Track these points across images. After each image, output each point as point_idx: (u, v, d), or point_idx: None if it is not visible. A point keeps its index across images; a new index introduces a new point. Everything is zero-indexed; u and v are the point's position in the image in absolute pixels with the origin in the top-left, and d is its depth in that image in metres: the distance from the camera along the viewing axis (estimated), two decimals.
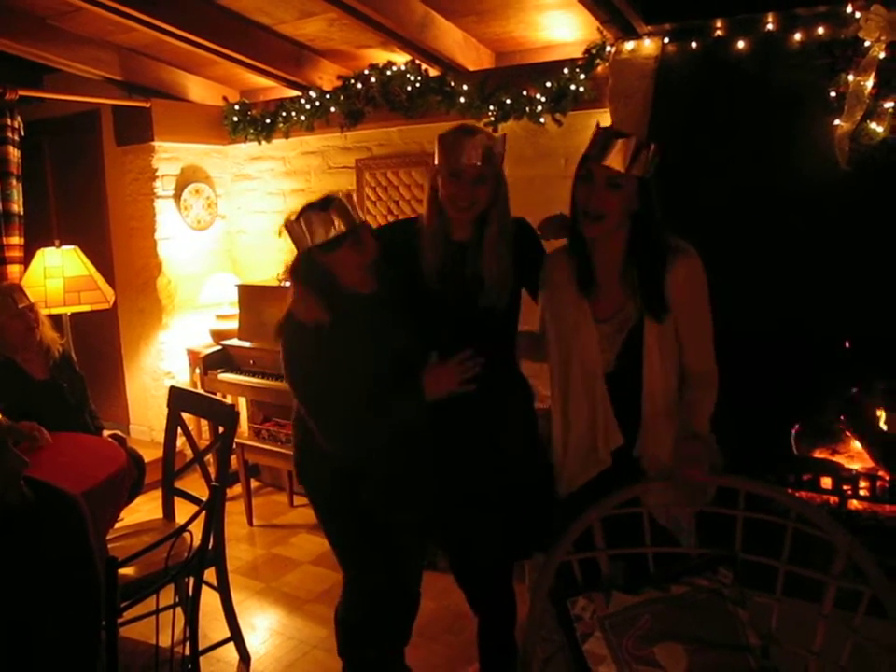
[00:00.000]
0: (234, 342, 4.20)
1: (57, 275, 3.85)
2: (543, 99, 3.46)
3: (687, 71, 2.99)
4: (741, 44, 2.85)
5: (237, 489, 4.20)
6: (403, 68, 3.81)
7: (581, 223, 1.89)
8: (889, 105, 2.54)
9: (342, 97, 4.03)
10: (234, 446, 3.86)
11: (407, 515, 2.10)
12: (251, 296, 4.20)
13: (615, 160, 1.82)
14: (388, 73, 3.84)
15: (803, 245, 2.62)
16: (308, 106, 4.17)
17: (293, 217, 1.94)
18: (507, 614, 2.33)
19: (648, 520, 1.79)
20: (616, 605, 1.64)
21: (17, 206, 4.01)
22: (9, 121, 3.93)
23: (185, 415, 2.96)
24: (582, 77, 3.36)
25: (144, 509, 3.80)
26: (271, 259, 4.73)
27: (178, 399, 2.97)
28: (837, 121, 2.60)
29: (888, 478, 2.58)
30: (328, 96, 4.09)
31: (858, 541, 1.59)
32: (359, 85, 3.95)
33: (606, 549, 1.79)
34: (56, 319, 3.60)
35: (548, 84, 3.43)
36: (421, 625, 2.24)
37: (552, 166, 3.59)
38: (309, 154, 4.60)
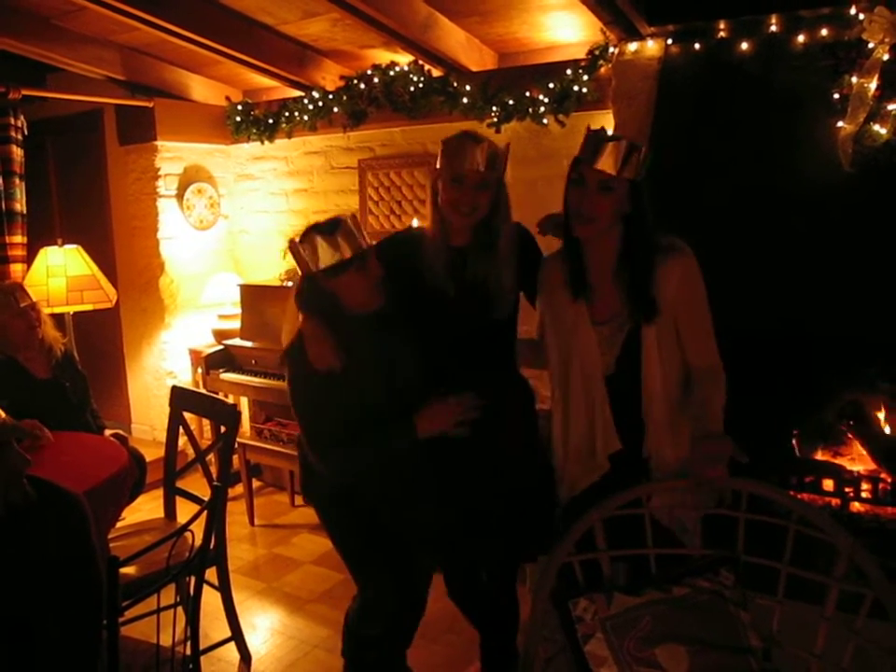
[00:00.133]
0: (236, 341, 4.21)
1: (60, 274, 3.85)
2: (546, 100, 3.46)
3: (690, 72, 2.99)
4: (744, 45, 2.85)
5: (239, 489, 4.20)
6: (406, 69, 3.81)
7: (573, 225, 1.90)
8: (892, 106, 2.53)
9: (345, 97, 4.03)
10: (236, 446, 3.85)
11: (415, 529, 2.10)
12: (253, 296, 4.20)
13: (606, 163, 1.82)
14: (391, 73, 3.84)
15: (806, 247, 2.62)
16: (311, 107, 4.17)
17: (298, 240, 1.92)
18: (509, 627, 2.32)
19: (649, 521, 1.79)
20: (617, 606, 1.64)
21: (20, 205, 4.01)
22: (13, 121, 3.93)
23: (187, 415, 2.96)
24: (585, 78, 3.36)
25: (145, 508, 3.80)
26: (273, 259, 4.73)
27: (180, 399, 2.97)
28: (840, 123, 2.60)
29: (890, 480, 2.58)
30: (331, 96, 4.09)
31: (860, 543, 1.59)
32: (362, 85, 3.95)
33: (607, 550, 1.79)
34: (58, 318, 3.60)
35: (551, 85, 3.43)
36: (422, 626, 2.23)
37: (554, 167, 3.57)
38: (312, 154, 4.60)
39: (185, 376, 4.74)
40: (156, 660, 1.82)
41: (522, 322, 2.19)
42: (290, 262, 4.32)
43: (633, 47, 3.18)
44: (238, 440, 3.76)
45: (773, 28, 2.81)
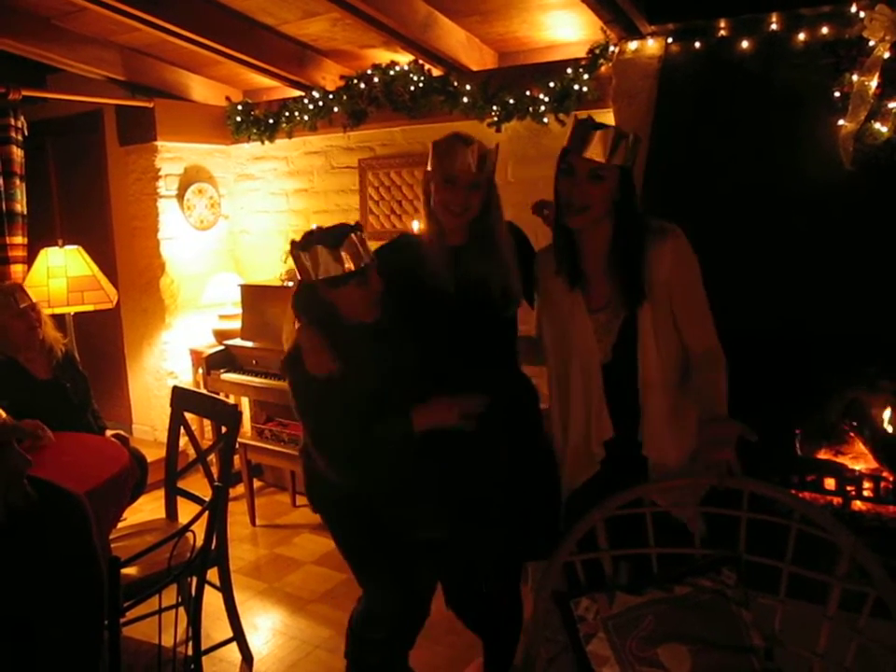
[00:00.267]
0: (237, 341, 4.21)
1: (60, 275, 3.85)
2: (546, 99, 3.45)
3: (691, 71, 2.99)
4: (745, 44, 2.85)
5: (240, 489, 4.21)
6: (406, 68, 3.81)
7: (566, 215, 1.90)
8: (893, 105, 2.53)
9: (345, 97, 4.03)
10: (237, 446, 3.86)
11: (420, 534, 2.09)
12: (254, 296, 4.20)
13: (595, 151, 1.83)
14: (391, 73, 3.84)
15: (806, 245, 2.62)
16: (311, 106, 4.17)
17: (300, 246, 1.91)
18: (511, 630, 2.30)
19: (651, 520, 1.79)
20: (619, 606, 1.63)
21: (20, 206, 4.01)
22: (13, 121, 3.93)
23: (188, 415, 2.96)
24: (586, 77, 3.36)
25: (146, 508, 3.80)
26: (274, 260, 4.73)
27: (181, 399, 2.97)
28: (841, 121, 2.59)
29: (891, 479, 2.57)
30: (331, 96, 4.09)
31: (861, 542, 1.59)
32: (362, 85, 3.95)
33: (609, 549, 1.79)
34: (59, 319, 3.60)
35: (551, 84, 3.43)
36: (423, 627, 2.23)
37: (555, 166, 3.58)
38: (312, 154, 4.60)
39: (186, 376, 4.74)
40: (157, 660, 1.81)
41: (521, 321, 2.19)
42: (291, 263, 4.32)
43: (633, 45, 3.18)
44: (239, 440, 3.76)
45: (773, 26, 2.81)
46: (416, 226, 3.30)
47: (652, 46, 3.13)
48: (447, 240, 2.04)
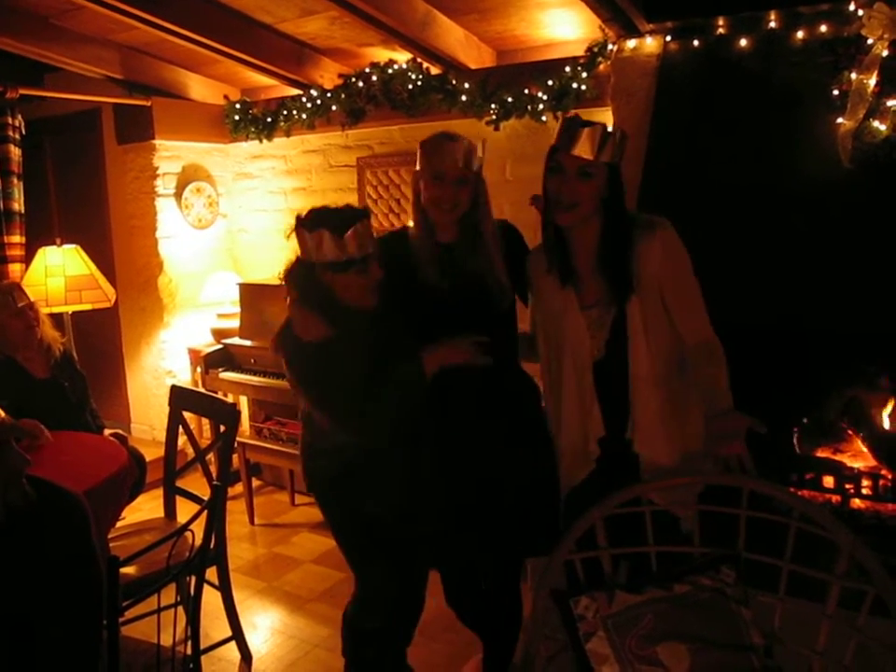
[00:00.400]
0: (235, 340, 4.20)
1: (58, 274, 3.84)
2: (545, 97, 3.45)
3: (689, 69, 2.98)
4: (743, 42, 2.85)
5: (238, 488, 4.20)
6: (405, 66, 3.80)
7: (555, 212, 1.91)
8: (891, 102, 2.53)
9: (343, 95, 4.02)
10: (236, 445, 3.85)
11: (414, 528, 2.09)
12: (252, 295, 4.19)
13: (583, 148, 1.84)
14: (390, 71, 3.84)
15: (805, 243, 2.62)
16: (309, 105, 4.16)
17: (306, 225, 1.89)
18: (511, 628, 2.31)
19: (650, 519, 1.79)
20: (619, 604, 1.63)
21: (18, 205, 4.01)
22: (10, 120, 3.92)
23: (186, 414, 2.95)
24: (584, 75, 3.35)
25: (145, 508, 3.80)
26: (272, 258, 4.72)
27: (179, 398, 2.97)
28: (840, 119, 2.59)
29: (890, 477, 2.57)
30: (329, 95, 4.08)
31: (860, 540, 1.59)
32: (361, 83, 3.94)
33: (608, 548, 1.78)
34: (57, 318, 3.60)
35: (550, 82, 3.43)
36: (422, 624, 2.23)
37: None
38: (310, 153, 4.59)
39: (184, 375, 4.74)
40: (156, 660, 1.81)
41: (519, 320, 2.19)
42: (289, 262, 4.32)
43: (632, 44, 3.18)
44: (238, 439, 3.75)
45: (772, 24, 2.81)
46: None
47: (651, 44, 3.13)
48: (438, 237, 2.06)
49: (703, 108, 2.91)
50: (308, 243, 1.89)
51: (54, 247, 3.92)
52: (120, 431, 3.28)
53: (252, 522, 4.04)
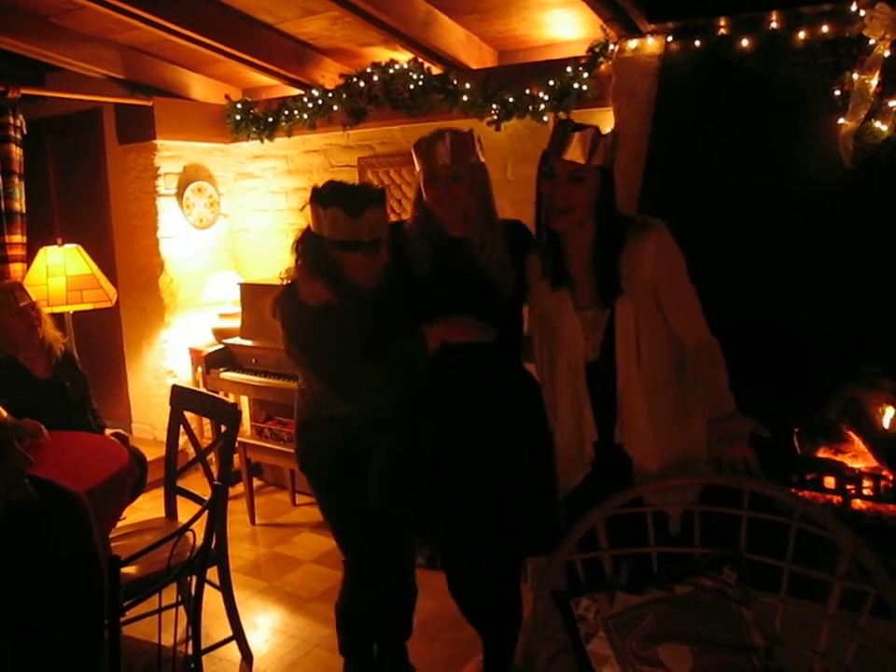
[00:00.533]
0: (237, 340, 4.20)
1: (59, 274, 3.85)
2: (546, 97, 3.45)
3: (691, 69, 2.98)
4: (745, 42, 2.84)
5: (239, 488, 4.20)
6: (406, 66, 3.80)
7: (550, 217, 1.92)
8: (893, 103, 2.52)
9: (344, 95, 4.02)
10: (237, 445, 3.85)
11: (400, 509, 2.10)
12: (253, 294, 4.19)
13: (574, 153, 1.84)
14: (391, 71, 3.83)
15: (807, 244, 2.61)
16: (310, 105, 4.16)
17: (321, 201, 1.91)
18: (511, 627, 2.31)
19: (651, 520, 1.79)
20: (619, 605, 1.64)
21: (19, 205, 4.00)
22: (12, 120, 3.92)
23: (187, 414, 2.96)
24: (586, 75, 3.35)
25: (146, 507, 3.80)
26: (273, 258, 4.72)
27: (181, 398, 2.97)
28: (841, 120, 2.59)
29: (891, 477, 2.57)
30: (330, 94, 4.08)
31: (862, 541, 1.59)
32: (362, 83, 3.94)
33: (609, 549, 1.78)
34: (58, 318, 3.59)
35: (551, 83, 3.42)
36: (423, 623, 2.24)
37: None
38: (311, 153, 4.59)
39: (185, 375, 4.73)
40: (157, 659, 1.81)
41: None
42: (291, 261, 4.31)
43: (633, 44, 3.17)
44: (238, 439, 3.75)
45: (773, 25, 2.80)
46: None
47: (652, 44, 3.13)
48: (450, 232, 2.05)
49: (704, 109, 2.91)
50: (321, 218, 1.90)
51: (55, 247, 3.92)
52: (122, 431, 3.28)
53: (253, 522, 4.04)
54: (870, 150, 2.56)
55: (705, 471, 1.94)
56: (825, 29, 2.69)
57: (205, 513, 1.96)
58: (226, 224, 4.97)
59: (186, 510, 2.63)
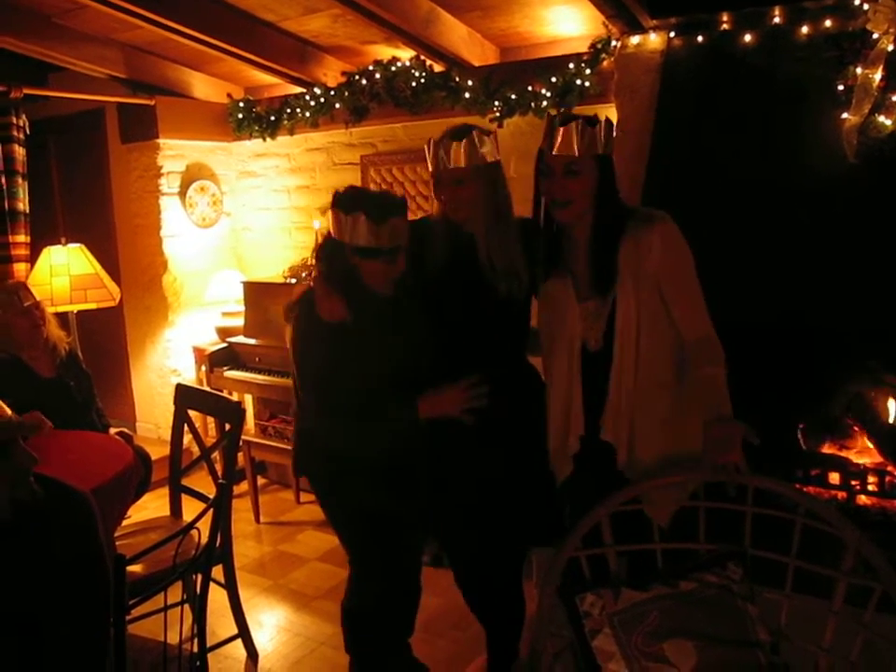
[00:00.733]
0: (240, 339, 4.21)
1: (63, 273, 3.85)
2: (549, 94, 3.44)
3: (693, 65, 2.98)
4: (748, 37, 2.84)
5: (244, 486, 4.21)
6: (408, 64, 3.80)
7: (552, 211, 1.93)
8: None
9: (346, 93, 4.02)
10: (241, 443, 3.86)
11: (400, 508, 2.11)
12: (257, 293, 4.20)
13: (565, 146, 1.85)
14: (393, 69, 3.83)
15: (810, 239, 2.61)
16: (313, 103, 4.16)
17: (344, 207, 1.90)
18: (515, 623, 2.31)
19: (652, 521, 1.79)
20: (625, 601, 1.64)
21: (23, 204, 4.01)
22: (15, 120, 3.92)
23: (191, 413, 2.96)
24: (588, 71, 3.35)
25: (151, 506, 3.81)
26: (276, 256, 4.73)
27: (185, 397, 2.98)
28: (845, 114, 2.58)
29: None
30: (332, 93, 4.08)
31: (867, 537, 1.59)
32: (364, 81, 3.94)
33: (614, 545, 1.78)
34: (62, 317, 3.60)
35: (553, 79, 3.42)
36: (427, 621, 2.24)
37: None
38: (314, 151, 4.60)
39: (189, 374, 4.74)
40: (163, 657, 1.82)
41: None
42: (294, 260, 4.33)
43: (635, 40, 3.17)
44: (243, 437, 3.76)
45: (776, 20, 2.79)
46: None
47: (655, 40, 3.12)
48: (464, 228, 2.05)
49: (707, 104, 2.90)
50: (343, 224, 1.90)
51: (59, 247, 3.92)
52: (126, 430, 3.28)
53: (258, 520, 4.05)
54: (873, 145, 2.55)
55: (696, 468, 1.93)
56: (828, 23, 2.68)
57: (210, 512, 1.97)
58: (229, 223, 4.97)
59: (190, 508, 2.64)
